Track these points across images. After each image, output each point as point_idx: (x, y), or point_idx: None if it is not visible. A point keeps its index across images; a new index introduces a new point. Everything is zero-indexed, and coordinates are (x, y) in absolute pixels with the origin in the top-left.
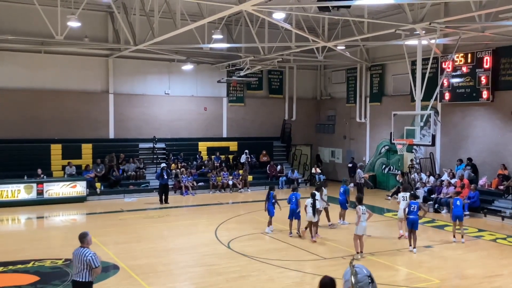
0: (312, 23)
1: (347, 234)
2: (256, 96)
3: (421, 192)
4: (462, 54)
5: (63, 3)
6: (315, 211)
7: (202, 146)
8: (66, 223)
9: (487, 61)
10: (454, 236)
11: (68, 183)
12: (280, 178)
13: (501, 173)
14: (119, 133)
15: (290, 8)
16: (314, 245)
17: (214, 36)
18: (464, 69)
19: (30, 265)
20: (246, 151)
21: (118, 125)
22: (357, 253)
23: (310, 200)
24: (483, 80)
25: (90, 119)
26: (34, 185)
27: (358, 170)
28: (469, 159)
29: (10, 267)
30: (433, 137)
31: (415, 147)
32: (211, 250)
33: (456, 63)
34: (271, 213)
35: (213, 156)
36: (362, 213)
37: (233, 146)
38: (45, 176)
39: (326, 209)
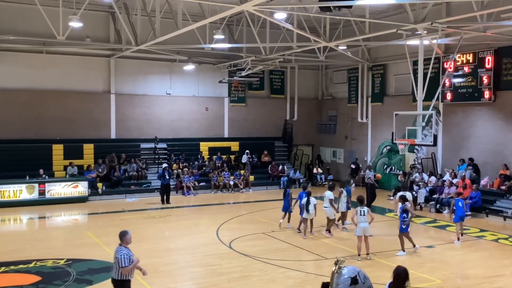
0: (313, 23)
1: (349, 235)
2: (258, 96)
3: (422, 192)
4: (463, 54)
5: (64, 3)
6: (308, 208)
7: (204, 146)
8: (68, 223)
9: (489, 61)
10: (458, 239)
11: (69, 183)
12: (282, 178)
13: (503, 173)
14: (121, 133)
15: (292, 8)
16: (316, 245)
17: (216, 36)
18: (466, 69)
19: (31, 265)
20: (247, 151)
21: (120, 125)
22: (358, 255)
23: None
24: (485, 80)
25: (92, 119)
26: (36, 185)
27: (367, 171)
28: (471, 159)
29: (12, 267)
30: (435, 137)
31: (416, 147)
32: (212, 250)
33: (457, 63)
34: (289, 210)
35: (214, 156)
36: (360, 214)
37: (234, 146)
38: (46, 176)
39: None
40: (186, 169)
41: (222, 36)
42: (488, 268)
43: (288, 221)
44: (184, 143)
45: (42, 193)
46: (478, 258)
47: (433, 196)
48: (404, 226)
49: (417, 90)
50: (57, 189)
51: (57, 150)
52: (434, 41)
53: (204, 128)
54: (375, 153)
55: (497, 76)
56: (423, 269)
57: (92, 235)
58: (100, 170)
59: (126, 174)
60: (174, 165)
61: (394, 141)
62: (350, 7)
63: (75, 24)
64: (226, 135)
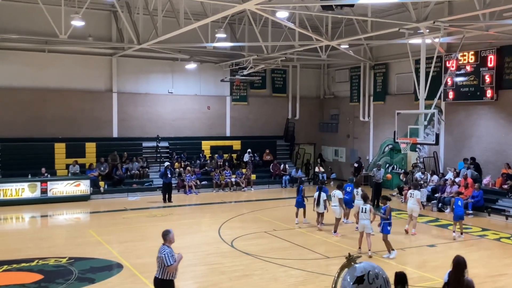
0: (315, 22)
1: (351, 233)
2: (260, 95)
3: (424, 192)
4: (466, 53)
5: (66, 2)
6: (319, 203)
7: (206, 145)
8: (70, 221)
9: (491, 60)
10: (454, 231)
11: (72, 181)
12: (284, 177)
13: (505, 172)
14: (123, 132)
15: (294, 7)
16: (318, 244)
17: (218, 35)
18: (468, 68)
19: (34, 263)
20: (249, 150)
21: (122, 124)
22: (359, 248)
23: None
24: (487, 79)
25: (94, 118)
26: (38, 183)
27: (374, 170)
28: (472, 158)
29: (14, 265)
30: (437, 136)
31: (418, 146)
32: (214, 249)
33: (460, 62)
34: (302, 205)
35: (216, 155)
36: (361, 211)
37: (236, 145)
38: (49, 175)
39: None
40: (188, 168)
41: (224, 35)
42: (490, 267)
43: (304, 216)
44: (186, 141)
45: (44, 191)
46: (480, 257)
47: (435, 195)
48: (389, 228)
49: (419, 89)
50: (59, 188)
51: (59, 148)
52: (436, 40)
53: (206, 127)
54: (377, 152)
55: (499, 75)
56: (425, 268)
57: (94, 234)
58: (102, 168)
59: (128, 173)
60: (176, 163)
61: (396, 140)
62: (352, 5)
63: (77, 23)
64: (228, 134)
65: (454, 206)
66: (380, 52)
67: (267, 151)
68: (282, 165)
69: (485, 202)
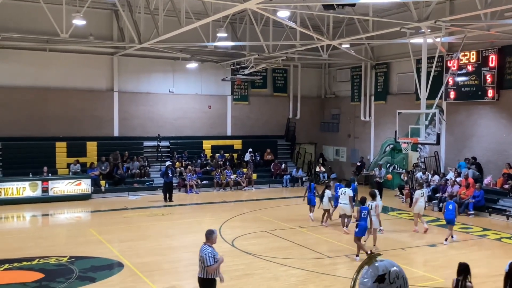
0: (316, 21)
1: (351, 233)
2: (261, 94)
3: (425, 191)
4: (467, 53)
5: (68, 1)
6: (325, 199)
7: (207, 145)
8: (71, 220)
9: (493, 60)
10: (446, 239)
11: (72, 180)
12: (284, 177)
13: (506, 172)
14: (124, 131)
15: (295, 6)
16: (318, 244)
17: (219, 35)
18: (470, 67)
19: (35, 262)
20: (250, 149)
21: (123, 123)
22: (374, 245)
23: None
24: (489, 78)
25: (95, 117)
26: (39, 182)
27: (376, 169)
28: (474, 158)
29: (15, 264)
30: (438, 135)
31: (419, 145)
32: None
33: (461, 62)
34: (312, 202)
35: (217, 155)
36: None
37: (237, 144)
38: (50, 174)
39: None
40: (189, 167)
41: (225, 34)
42: (491, 267)
43: (311, 212)
44: (187, 141)
45: (45, 190)
46: (481, 257)
47: (436, 195)
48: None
49: (420, 88)
50: (60, 187)
51: (60, 147)
52: (438, 40)
53: (206, 126)
54: (378, 151)
55: (500, 75)
56: (426, 268)
57: (95, 233)
58: (103, 168)
59: (129, 172)
60: (177, 163)
61: (397, 140)
62: (353, 5)
63: (79, 22)
64: (228, 133)
65: (445, 210)
66: (381, 51)
67: (268, 150)
68: (283, 165)
69: (486, 202)
